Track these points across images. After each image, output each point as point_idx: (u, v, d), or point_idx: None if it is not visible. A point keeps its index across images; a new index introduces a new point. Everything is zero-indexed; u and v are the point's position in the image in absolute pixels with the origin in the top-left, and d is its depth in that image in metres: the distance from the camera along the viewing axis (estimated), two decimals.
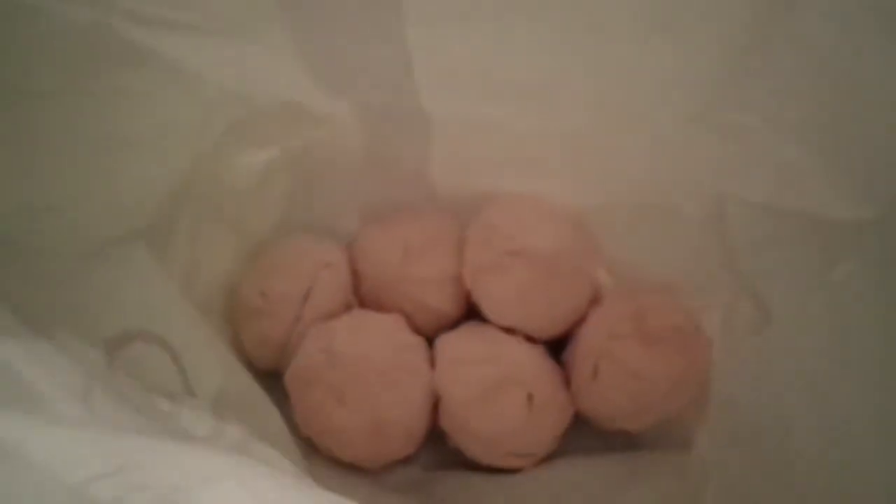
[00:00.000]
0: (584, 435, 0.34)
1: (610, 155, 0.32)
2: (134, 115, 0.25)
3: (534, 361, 0.32)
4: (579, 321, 0.34)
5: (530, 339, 0.34)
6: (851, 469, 0.20)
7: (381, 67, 0.29)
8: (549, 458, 0.33)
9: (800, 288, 0.24)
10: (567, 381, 0.33)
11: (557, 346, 0.35)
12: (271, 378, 0.34)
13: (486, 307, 0.34)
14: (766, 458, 0.26)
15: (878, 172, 0.21)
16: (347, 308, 0.34)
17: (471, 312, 0.35)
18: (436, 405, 0.32)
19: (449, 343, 0.33)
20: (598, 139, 0.31)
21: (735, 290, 0.30)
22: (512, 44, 0.27)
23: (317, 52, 0.28)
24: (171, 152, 0.27)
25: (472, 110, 0.31)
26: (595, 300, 0.34)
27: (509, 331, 0.34)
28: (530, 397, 0.31)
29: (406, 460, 0.33)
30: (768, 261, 0.27)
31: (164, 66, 0.26)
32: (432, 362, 0.33)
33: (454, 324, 0.35)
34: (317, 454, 0.32)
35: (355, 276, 0.36)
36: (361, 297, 0.36)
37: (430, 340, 0.34)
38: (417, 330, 0.34)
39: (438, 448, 0.33)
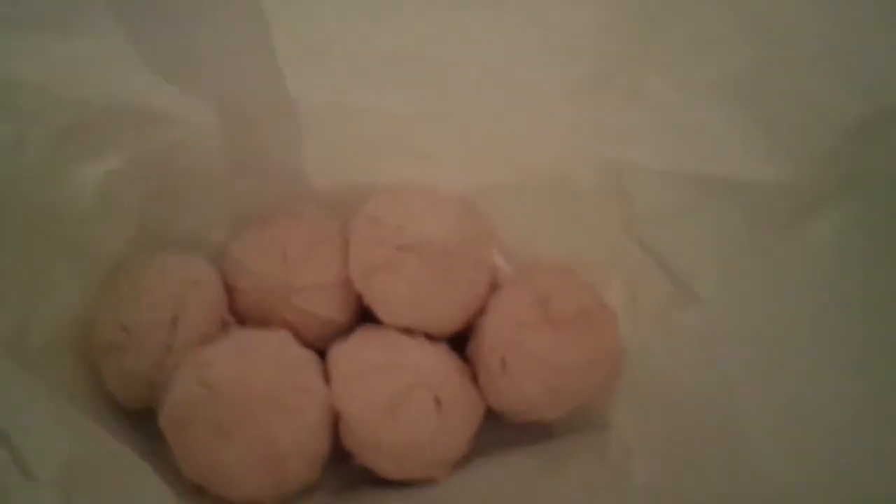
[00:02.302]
0: (498, 430, 0.32)
1: (499, 132, 0.30)
2: None
3: (437, 362, 0.30)
4: (480, 312, 0.32)
5: (430, 337, 0.31)
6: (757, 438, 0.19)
7: (236, 53, 0.26)
8: (465, 460, 0.31)
9: (719, 256, 0.23)
10: (475, 377, 0.31)
11: (460, 341, 0.33)
12: (146, 417, 0.30)
13: (380, 309, 0.31)
14: (687, 433, 0.25)
15: (799, 129, 0.20)
16: (224, 329, 0.31)
17: (364, 316, 0.33)
18: (335, 423, 0.29)
19: (343, 354, 0.30)
20: (485, 117, 0.29)
21: (641, 263, 0.29)
22: (382, 17, 0.24)
23: (157, 43, 0.24)
24: None
25: (343, 95, 0.28)
26: (494, 288, 0.32)
27: (407, 331, 0.31)
28: (438, 401, 0.29)
29: (309, 488, 0.29)
30: (678, 230, 0.26)
31: None
32: (327, 377, 0.30)
33: (347, 331, 0.32)
34: (207, 499, 0.28)
35: (230, 292, 0.32)
36: (240, 314, 0.32)
37: (322, 353, 0.31)
38: (307, 343, 0.31)
39: (344, 469, 0.30)
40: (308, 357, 0.29)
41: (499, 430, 0.32)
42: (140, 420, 0.30)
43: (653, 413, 0.27)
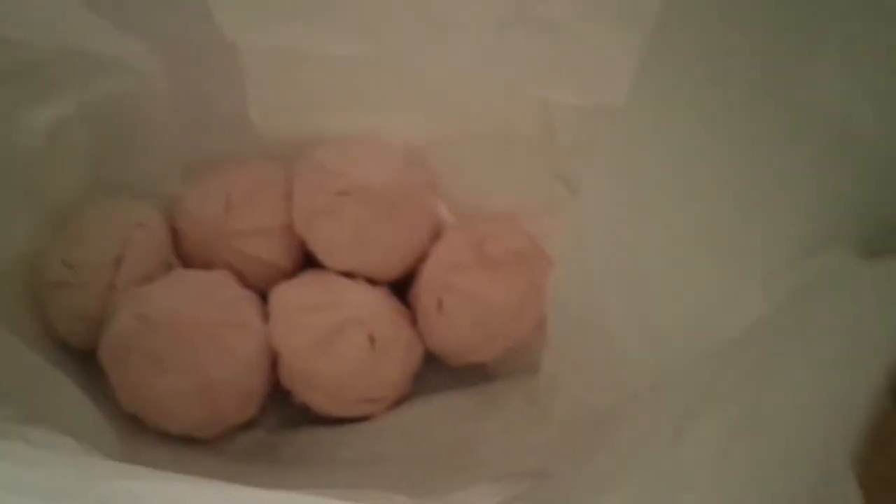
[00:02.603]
0: (437, 374, 0.33)
1: (435, 73, 0.30)
2: None
3: (373, 301, 0.30)
4: (422, 259, 0.33)
5: (371, 282, 0.32)
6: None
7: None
8: (404, 401, 0.32)
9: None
10: (414, 321, 0.32)
11: (404, 289, 0.33)
12: (90, 357, 0.31)
13: (321, 252, 0.32)
14: (595, 360, 0.25)
15: None
16: (168, 271, 0.31)
17: (309, 263, 0.33)
18: (274, 362, 0.30)
19: (282, 293, 0.31)
20: (419, 57, 0.29)
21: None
22: None
23: None
24: None
25: (280, 37, 0.28)
26: (437, 236, 0.33)
27: (349, 275, 0.32)
28: (372, 338, 0.29)
29: (248, 425, 0.30)
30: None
31: None
32: (267, 317, 0.30)
33: (291, 276, 0.33)
34: (146, 430, 0.29)
35: (176, 235, 0.33)
36: (185, 257, 0.33)
37: (266, 297, 0.32)
38: (251, 287, 0.31)
39: (284, 408, 0.31)
40: (246, 296, 0.30)
41: (439, 376, 0.33)
42: (85, 359, 0.31)
43: (570, 352, 0.27)
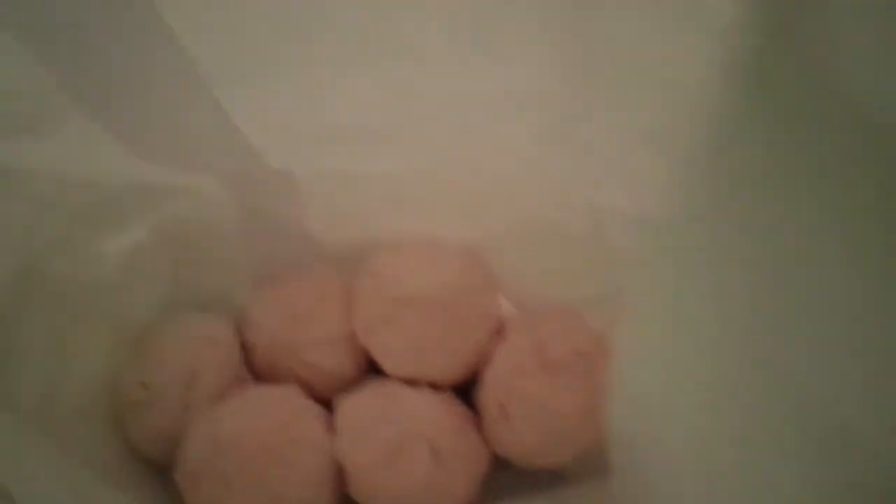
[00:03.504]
0: (507, 476, 0.32)
1: (482, 183, 0.31)
2: None
3: (436, 412, 0.30)
4: (485, 359, 0.32)
5: (434, 386, 0.32)
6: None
7: (221, 133, 0.28)
8: None
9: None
10: (479, 425, 0.32)
11: (469, 389, 0.33)
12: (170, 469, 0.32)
13: (383, 361, 0.32)
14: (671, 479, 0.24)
15: None
16: (241, 385, 0.32)
17: (373, 368, 0.34)
18: (340, 474, 0.30)
19: (347, 406, 0.31)
20: (464, 169, 0.30)
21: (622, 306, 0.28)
22: (345, 90, 0.26)
23: (130, 130, 0.27)
24: None
25: (325, 161, 0.29)
26: (499, 333, 0.33)
27: (411, 382, 0.32)
28: (435, 452, 0.29)
29: None
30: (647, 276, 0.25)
31: None
32: (335, 429, 0.31)
33: (356, 383, 0.33)
34: None
35: (246, 348, 0.34)
36: (254, 369, 0.34)
37: (332, 405, 0.32)
38: (317, 396, 0.32)
39: None
40: (311, 409, 0.31)
41: (509, 478, 0.32)
42: (165, 473, 0.32)
43: (648, 459, 0.26)
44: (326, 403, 0.32)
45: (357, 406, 0.31)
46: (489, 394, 0.31)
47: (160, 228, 0.33)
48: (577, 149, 0.25)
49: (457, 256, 0.33)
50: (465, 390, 0.33)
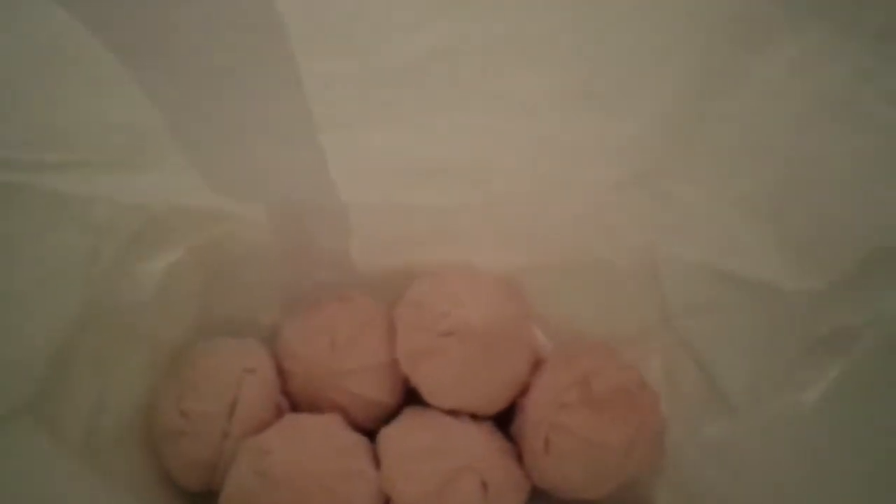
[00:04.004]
0: None
1: (538, 219, 0.31)
2: (12, 266, 0.22)
3: (484, 445, 0.31)
4: (523, 390, 0.33)
5: (475, 416, 0.32)
6: None
7: (292, 171, 0.28)
8: None
9: (747, 359, 0.24)
10: (519, 455, 0.32)
11: (504, 416, 0.34)
12: (207, 499, 0.31)
13: (426, 392, 0.32)
14: None
15: (822, 247, 0.20)
16: (279, 413, 0.32)
17: (411, 396, 0.34)
18: None
19: (392, 438, 0.31)
20: (525, 206, 0.30)
21: (674, 350, 0.29)
22: (430, 135, 0.26)
23: (217, 168, 0.26)
24: (61, 295, 0.24)
25: (388, 196, 0.29)
26: (536, 365, 0.33)
27: (453, 412, 0.32)
28: (485, 485, 0.29)
29: None
30: (709, 322, 0.26)
31: (44, 202, 0.23)
32: (376, 459, 0.31)
33: (395, 411, 0.33)
34: None
35: (282, 374, 0.33)
36: (292, 396, 0.33)
37: (371, 433, 0.32)
38: (356, 424, 0.32)
39: None
40: (358, 441, 0.31)
41: None
42: (201, 502, 0.32)
43: (692, 498, 0.27)
44: (365, 432, 0.32)
45: (403, 437, 0.31)
46: (532, 428, 0.31)
47: (196, 247, 0.32)
48: (653, 198, 0.25)
49: (495, 286, 0.33)
50: (500, 420, 0.33)
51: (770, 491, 0.21)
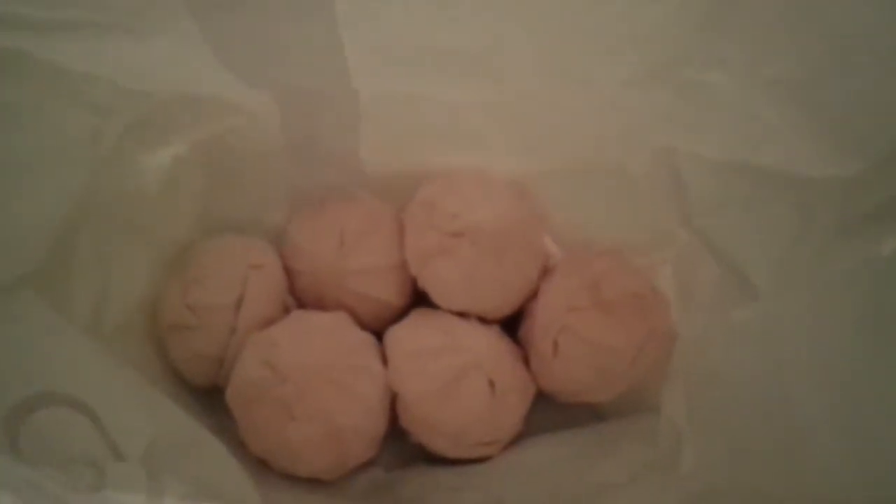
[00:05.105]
0: (547, 411, 0.33)
1: (553, 119, 0.30)
2: (12, 134, 0.21)
3: (491, 345, 0.30)
4: (531, 296, 0.32)
5: (483, 320, 0.32)
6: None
7: (306, 49, 0.26)
8: (515, 440, 0.32)
9: (774, 250, 0.23)
10: (526, 360, 0.32)
11: (511, 322, 0.33)
12: (211, 394, 0.31)
13: (435, 293, 0.32)
14: (738, 423, 0.25)
15: (862, 128, 0.19)
16: (285, 310, 0.32)
17: (417, 299, 0.33)
18: (393, 403, 0.30)
19: (401, 336, 0.31)
20: (540, 104, 0.29)
21: (694, 249, 0.29)
22: (451, 12, 0.24)
23: (228, 38, 0.25)
24: (63, 171, 0.23)
25: (405, 85, 0.28)
26: (545, 272, 0.33)
27: (461, 314, 0.32)
28: (492, 383, 0.29)
29: (366, 464, 0.31)
30: (732, 219, 0.26)
31: (45, 72, 0.22)
32: (384, 358, 0.31)
33: (401, 313, 0.33)
34: (271, 473, 0.29)
35: (289, 273, 0.33)
36: (298, 294, 0.33)
37: (377, 334, 0.32)
38: (363, 324, 0.32)
39: (399, 445, 0.32)
40: (365, 339, 0.30)
41: (548, 413, 0.33)
42: (205, 396, 0.32)
43: (704, 400, 0.27)
44: (372, 333, 0.32)
45: (411, 336, 0.31)
46: (541, 330, 0.31)
47: (201, 140, 0.31)
48: (676, 93, 0.24)
49: (508, 189, 0.32)
50: (508, 325, 0.33)
51: (804, 368, 0.20)
